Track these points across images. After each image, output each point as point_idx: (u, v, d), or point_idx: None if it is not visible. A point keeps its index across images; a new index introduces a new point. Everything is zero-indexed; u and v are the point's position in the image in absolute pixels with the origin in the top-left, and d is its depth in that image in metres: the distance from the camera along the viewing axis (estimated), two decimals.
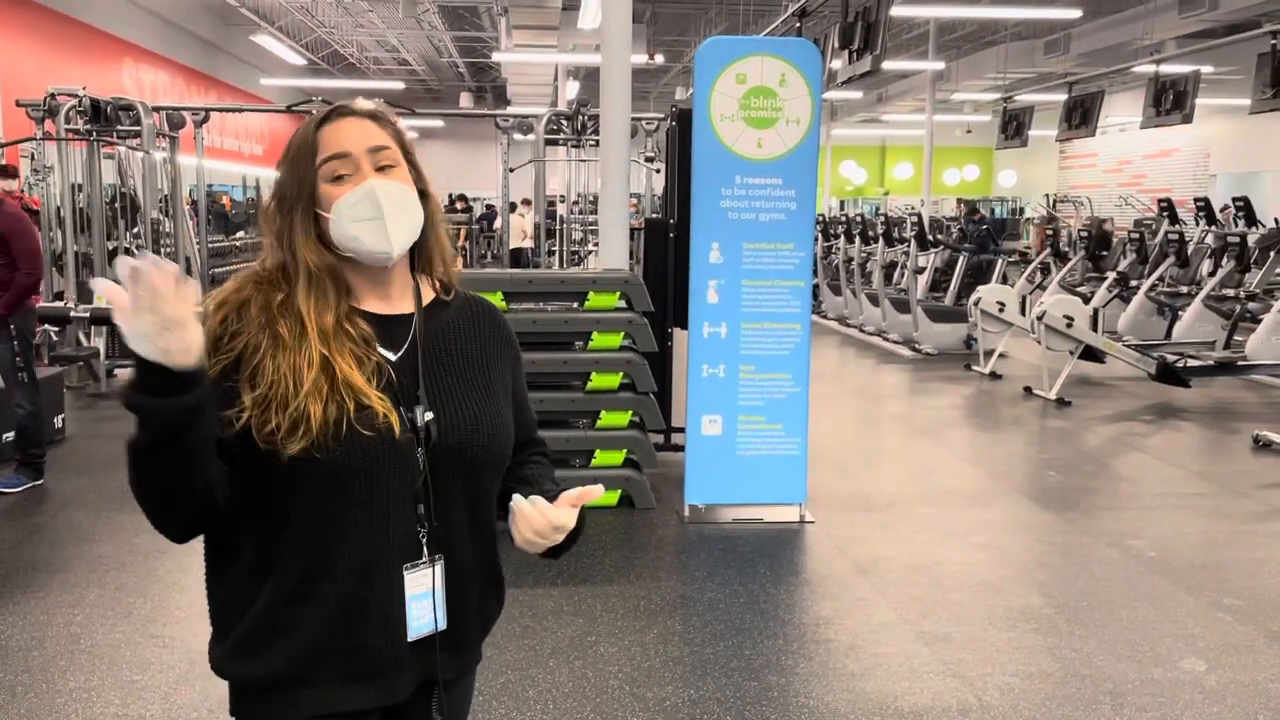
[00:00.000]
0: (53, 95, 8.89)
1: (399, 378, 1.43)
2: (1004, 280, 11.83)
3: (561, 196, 12.67)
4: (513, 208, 13.01)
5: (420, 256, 1.50)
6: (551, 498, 1.45)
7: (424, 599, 1.42)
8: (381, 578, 1.39)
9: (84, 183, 9.03)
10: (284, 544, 1.38)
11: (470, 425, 1.45)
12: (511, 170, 11.40)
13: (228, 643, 1.42)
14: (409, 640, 1.41)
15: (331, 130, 1.42)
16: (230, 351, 1.36)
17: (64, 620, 3.80)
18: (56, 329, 7.95)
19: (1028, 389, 8.73)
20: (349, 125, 1.43)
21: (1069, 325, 8.43)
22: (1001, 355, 9.90)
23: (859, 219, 13.12)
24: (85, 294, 8.39)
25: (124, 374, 8.80)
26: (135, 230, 9.14)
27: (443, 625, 1.44)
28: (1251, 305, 9.65)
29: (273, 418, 1.32)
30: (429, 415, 1.42)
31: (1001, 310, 9.51)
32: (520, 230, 14.72)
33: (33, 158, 9.44)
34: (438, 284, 1.54)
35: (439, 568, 1.43)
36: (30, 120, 9.08)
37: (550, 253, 11.47)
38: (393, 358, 1.44)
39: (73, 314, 7.52)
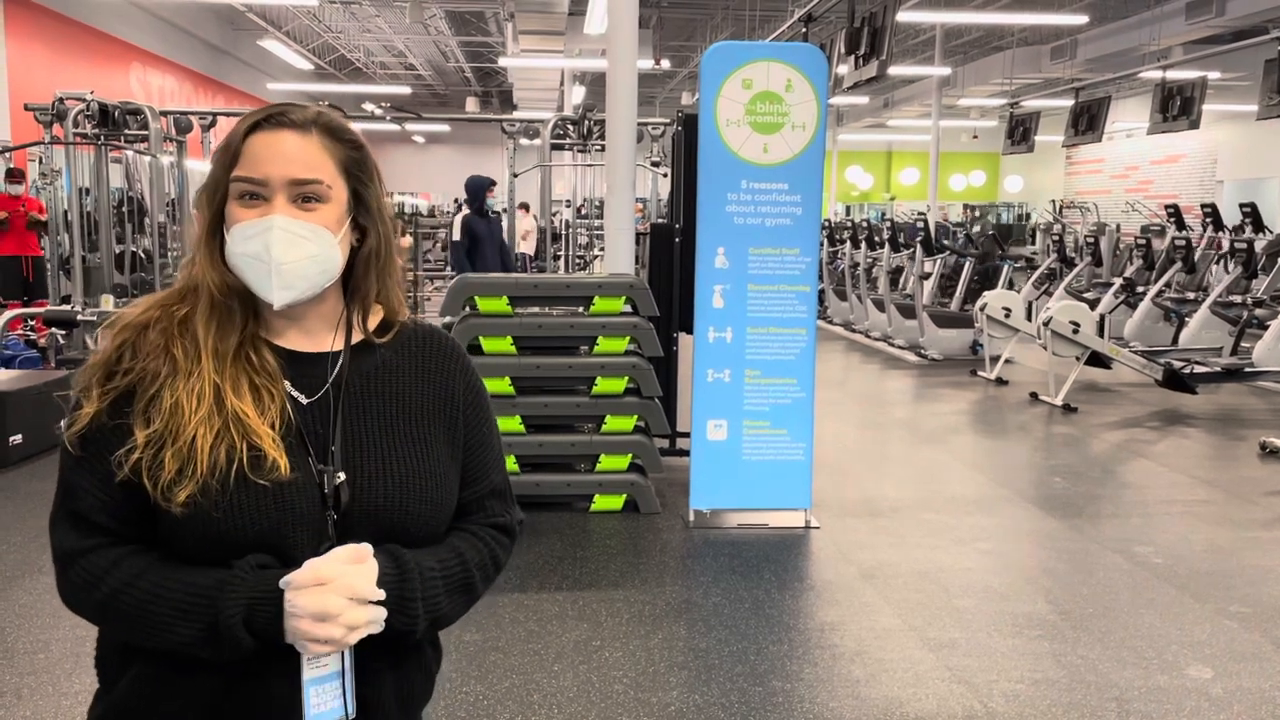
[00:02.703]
0: (60, 99, 8.93)
1: (310, 426, 1.23)
2: (1010, 286, 11.81)
3: (567, 201, 12.67)
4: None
5: (349, 290, 1.29)
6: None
7: (326, 683, 1.20)
8: (274, 659, 1.17)
9: (91, 187, 9.07)
10: None
11: (393, 486, 1.24)
12: (516, 175, 11.39)
13: (97, 713, 1.28)
14: None
15: (261, 142, 1.20)
16: (124, 380, 1.20)
17: (70, 623, 3.80)
18: (63, 332, 7.97)
19: (1034, 395, 8.72)
20: (283, 142, 1.21)
21: (1075, 331, 8.41)
22: (1007, 361, 9.87)
23: (865, 224, 13.14)
24: (92, 297, 8.41)
25: None
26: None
27: (353, 714, 1.23)
28: (1259, 311, 9.63)
29: (166, 460, 1.15)
30: (341, 475, 1.22)
31: (1007, 316, 9.49)
32: (522, 234, 14.71)
33: (40, 161, 9.49)
34: (383, 316, 1.34)
35: (348, 649, 1.20)
36: (38, 124, 9.12)
37: (555, 257, 11.47)
38: (305, 402, 1.24)
39: (80, 317, 7.54)
